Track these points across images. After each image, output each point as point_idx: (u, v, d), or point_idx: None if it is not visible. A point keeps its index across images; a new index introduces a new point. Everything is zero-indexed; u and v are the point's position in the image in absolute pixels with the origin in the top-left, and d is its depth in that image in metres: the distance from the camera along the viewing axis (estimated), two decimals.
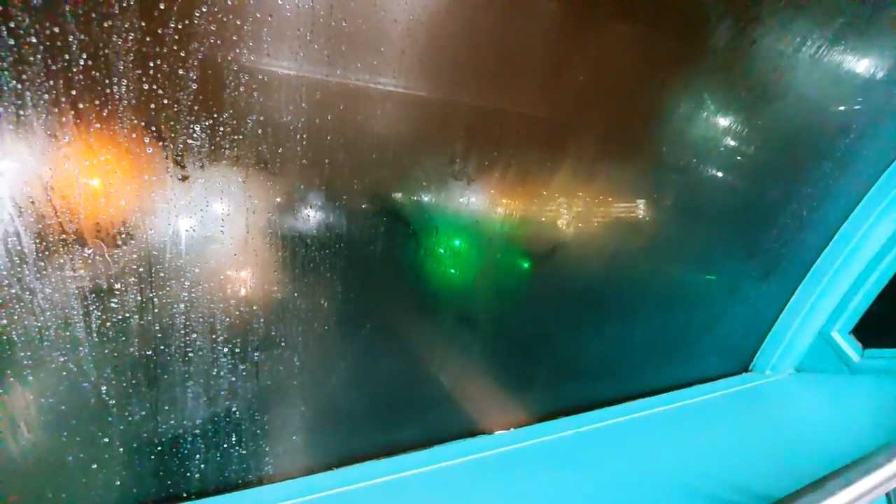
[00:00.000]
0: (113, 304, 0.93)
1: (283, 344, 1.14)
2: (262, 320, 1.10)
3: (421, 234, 1.23)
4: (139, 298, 0.95)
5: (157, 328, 0.99)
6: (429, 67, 1.06)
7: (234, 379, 1.11)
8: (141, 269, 0.93)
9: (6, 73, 0.73)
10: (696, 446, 1.57)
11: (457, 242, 1.30)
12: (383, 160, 1.10)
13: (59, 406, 0.95)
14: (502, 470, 1.38)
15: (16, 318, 0.86)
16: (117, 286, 0.92)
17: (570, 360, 1.72)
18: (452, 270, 1.34)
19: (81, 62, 0.77)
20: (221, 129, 0.91)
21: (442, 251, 1.28)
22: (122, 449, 1.04)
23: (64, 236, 0.85)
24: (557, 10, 1.11)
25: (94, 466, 1.02)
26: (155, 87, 0.83)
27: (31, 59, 0.74)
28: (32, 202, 0.81)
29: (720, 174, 1.66)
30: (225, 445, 1.15)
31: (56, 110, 0.78)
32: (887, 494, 1.20)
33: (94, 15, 0.75)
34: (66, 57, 0.76)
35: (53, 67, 0.76)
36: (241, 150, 0.94)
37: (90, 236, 0.87)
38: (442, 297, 1.36)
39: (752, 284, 2.03)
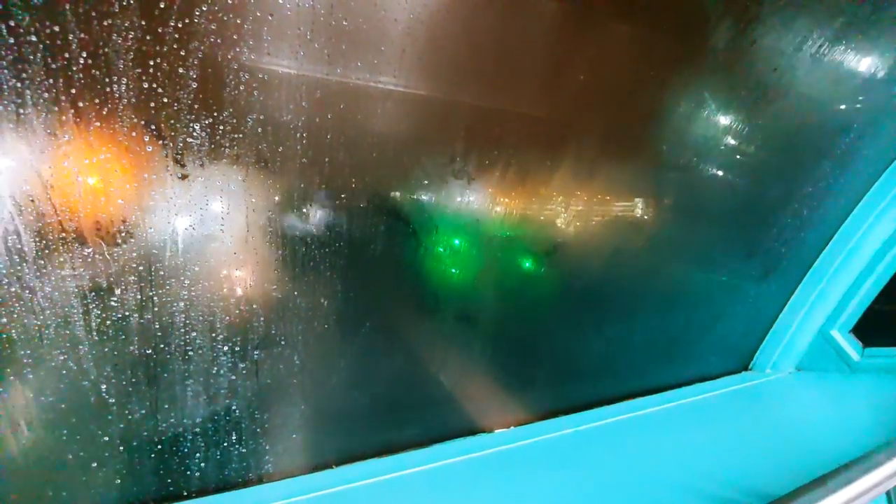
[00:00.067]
0: (112, 303, 0.93)
1: (282, 342, 1.15)
2: (261, 319, 1.10)
3: (421, 233, 1.23)
4: (139, 297, 0.95)
5: (157, 327, 0.99)
6: (429, 66, 1.06)
7: (233, 377, 1.11)
8: (141, 268, 0.94)
9: (5, 71, 0.73)
10: (696, 445, 1.57)
11: (457, 241, 1.30)
12: (383, 159, 1.10)
13: (57, 405, 0.95)
14: (503, 468, 1.38)
15: (15, 316, 0.86)
16: (116, 285, 0.92)
17: (571, 359, 1.72)
18: (452, 269, 1.34)
19: (81, 61, 0.77)
20: (221, 127, 0.91)
21: (442, 250, 1.28)
22: (121, 447, 1.04)
23: (63, 235, 0.85)
24: (557, 10, 1.11)
25: (93, 465, 1.02)
26: (155, 85, 0.83)
27: (31, 57, 0.74)
28: (32, 200, 0.81)
29: (720, 174, 1.66)
30: (225, 444, 1.15)
31: (56, 109, 0.78)
32: (887, 493, 1.20)
33: (93, 13, 0.75)
34: (66, 55, 0.76)
35: (53, 66, 0.76)
36: (242, 149, 0.94)
37: (89, 235, 0.87)
38: (442, 295, 1.36)
39: (752, 283, 2.03)
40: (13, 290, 0.84)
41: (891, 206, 1.96)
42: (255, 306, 1.08)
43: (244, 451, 1.18)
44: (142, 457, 1.07)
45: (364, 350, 1.27)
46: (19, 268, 0.84)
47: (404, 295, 1.32)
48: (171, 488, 1.12)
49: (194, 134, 0.89)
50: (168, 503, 1.12)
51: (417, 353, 1.39)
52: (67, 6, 0.74)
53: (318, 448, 1.29)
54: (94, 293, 0.91)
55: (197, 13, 0.81)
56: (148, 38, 0.80)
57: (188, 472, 1.13)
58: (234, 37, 0.85)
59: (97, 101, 0.81)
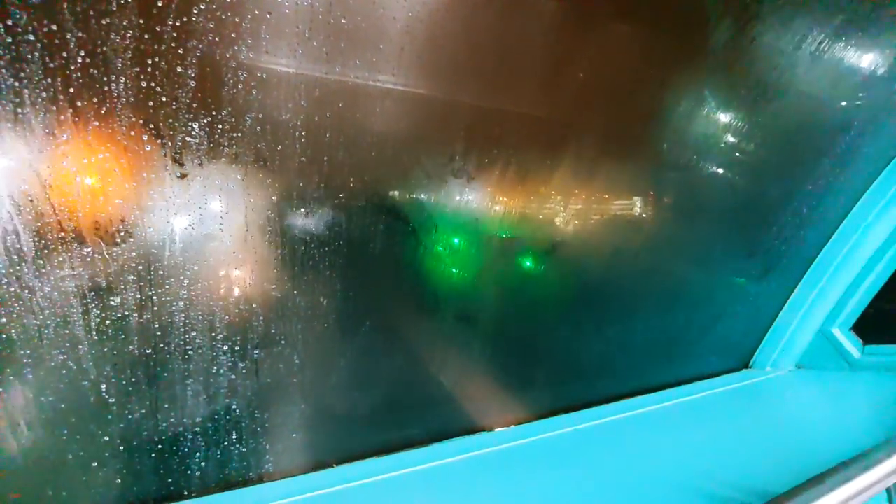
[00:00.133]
0: (111, 302, 0.93)
1: (282, 342, 1.15)
2: (261, 318, 1.10)
3: (420, 232, 1.23)
4: (138, 296, 0.95)
5: (156, 326, 0.99)
6: (428, 65, 1.05)
7: (233, 377, 1.11)
8: (140, 267, 0.93)
9: (3, 70, 0.73)
10: (697, 443, 1.57)
11: (456, 241, 1.30)
12: (382, 158, 1.10)
13: (55, 404, 0.95)
14: (503, 467, 1.38)
15: (14, 315, 0.86)
16: (116, 284, 0.92)
17: (571, 358, 1.72)
18: (452, 268, 1.34)
19: (79, 60, 0.77)
20: (220, 126, 0.90)
21: (441, 249, 1.28)
22: (121, 447, 1.04)
23: (62, 234, 0.85)
24: (557, 9, 1.11)
25: (93, 465, 1.02)
26: (153, 84, 0.83)
27: (29, 56, 0.74)
28: (31, 200, 0.81)
29: (720, 172, 1.66)
30: (225, 443, 1.15)
31: (54, 108, 0.78)
32: (888, 490, 1.20)
33: (91, 12, 0.75)
34: (64, 54, 0.76)
35: (51, 65, 0.76)
36: (240, 148, 0.94)
37: (88, 234, 0.87)
38: (441, 294, 1.36)
39: (752, 281, 2.03)
40: (12, 289, 0.84)
41: (890, 204, 1.96)
42: (254, 305, 1.08)
43: (244, 450, 1.18)
44: (142, 456, 1.07)
45: (364, 349, 1.27)
46: (18, 267, 0.84)
47: (404, 294, 1.32)
48: (172, 488, 1.12)
49: (193, 133, 0.89)
50: (168, 503, 1.12)
51: (417, 352, 1.39)
52: (65, 5, 0.73)
53: (318, 447, 1.29)
54: (93, 293, 0.91)
55: (195, 11, 0.81)
56: (146, 36, 0.79)
57: (188, 472, 1.13)
58: (233, 35, 0.85)
59: (95, 100, 0.80)
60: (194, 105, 0.87)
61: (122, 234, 0.90)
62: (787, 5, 1.30)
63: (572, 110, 1.31)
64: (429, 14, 0.99)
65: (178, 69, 0.83)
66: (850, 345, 2.10)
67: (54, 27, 0.74)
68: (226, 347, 1.07)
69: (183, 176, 0.91)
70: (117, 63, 0.79)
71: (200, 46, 0.83)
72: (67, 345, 0.92)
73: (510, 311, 1.52)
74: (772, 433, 1.67)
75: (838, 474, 1.10)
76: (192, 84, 0.85)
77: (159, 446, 1.08)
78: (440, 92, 1.11)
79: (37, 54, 0.74)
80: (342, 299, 1.18)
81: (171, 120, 0.86)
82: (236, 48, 0.86)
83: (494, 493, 1.26)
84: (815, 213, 1.94)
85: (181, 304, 0.99)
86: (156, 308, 0.97)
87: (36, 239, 0.83)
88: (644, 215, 1.59)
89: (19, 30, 0.72)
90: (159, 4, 0.78)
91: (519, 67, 1.17)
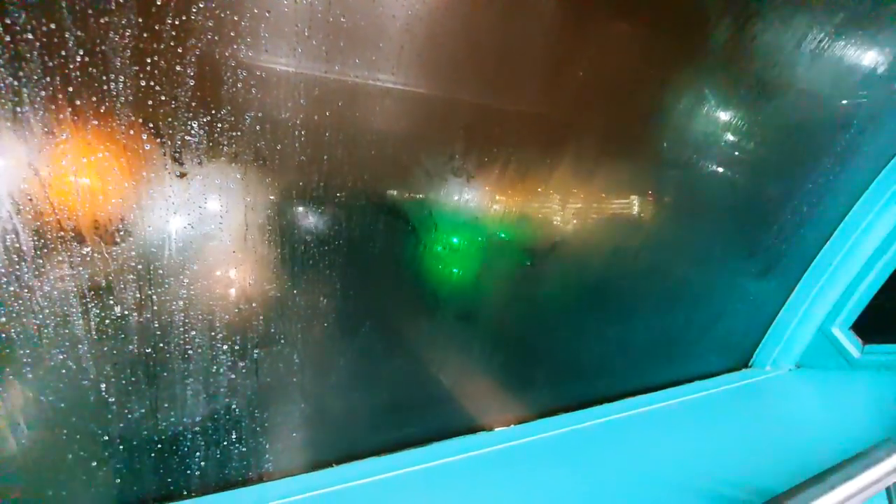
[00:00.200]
0: (110, 301, 0.93)
1: (282, 341, 1.14)
2: (260, 317, 1.10)
3: (420, 231, 1.23)
4: (137, 296, 0.95)
5: (156, 325, 0.99)
6: (427, 63, 1.05)
7: (233, 376, 1.11)
8: (139, 267, 0.93)
9: (2, 69, 0.73)
10: (697, 442, 1.57)
11: (456, 239, 1.30)
12: (382, 157, 1.10)
13: (54, 404, 0.95)
14: (503, 466, 1.38)
15: (13, 315, 0.86)
16: (115, 283, 0.92)
17: (571, 357, 1.72)
18: (452, 268, 1.33)
19: (78, 59, 0.77)
20: (219, 125, 0.90)
21: (441, 248, 1.28)
22: (120, 446, 1.04)
23: (62, 233, 0.85)
24: (557, 9, 1.11)
25: (92, 464, 1.02)
26: (152, 83, 0.83)
27: (28, 55, 0.74)
28: (30, 199, 0.81)
29: (720, 171, 1.66)
30: (225, 443, 1.15)
31: (53, 107, 0.78)
32: (887, 489, 1.20)
33: (90, 11, 0.75)
34: (63, 53, 0.76)
35: (50, 64, 0.76)
36: (240, 147, 0.94)
37: (88, 233, 0.87)
38: (441, 294, 1.36)
39: (752, 280, 2.03)
40: (11, 289, 0.84)
41: (890, 203, 1.96)
42: (254, 305, 1.08)
43: (244, 449, 1.18)
44: (141, 456, 1.06)
45: (363, 348, 1.27)
46: (17, 266, 0.83)
47: (403, 293, 1.32)
48: (172, 487, 1.12)
49: (192, 132, 0.89)
50: (168, 502, 1.12)
51: (416, 351, 1.39)
52: (64, 4, 0.73)
53: (318, 446, 1.29)
54: (92, 292, 0.91)
55: (194, 10, 0.81)
56: (145, 35, 0.79)
57: (188, 471, 1.12)
58: (232, 34, 0.85)
59: (94, 99, 0.80)
60: (194, 104, 0.87)
61: (122, 233, 0.90)
62: (787, 4, 1.30)
63: (572, 110, 1.31)
64: (428, 13, 0.99)
65: (178, 68, 0.83)
66: (850, 344, 2.10)
67: (53, 26, 0.74)
68: (225, 347, 1.07)
69: (182, 175, 0.91)
70: (116, 62, 0.79)
71: (200, 45, 0.83)
72: (67, 344, 0.92)
73: (510, 310, 1.52)
74: (772, 432, 1.67)
75: (838, 473, 1.10)
76: (192, 83, 0.85)
77: (159, 446, 1.08)
78: (440, 91, 1.11)
79: (35, 53, 0.74)
80: (342, 298, 1.18)
81: (170, 119, 0.86)
82: (235, 47, 0.86)
83: (495, 493, 1.26)
84: (815, 212, 1.94)
85: (181, 303, 0.99)
86: (155, 307, 0.97)
87: (35, 238, 0.83)
88: (644, 214, 1.59)
89: (18, 28, 0.72)
90: (158, 3, 0.78)
91: (519, 67, 1.16)
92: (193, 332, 1.02)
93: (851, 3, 1.38)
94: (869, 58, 1.56)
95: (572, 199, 1.43)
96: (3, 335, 0.86)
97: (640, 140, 1.46)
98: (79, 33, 0.75)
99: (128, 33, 0.78)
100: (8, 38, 0.72)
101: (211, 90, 0.87)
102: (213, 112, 0.89)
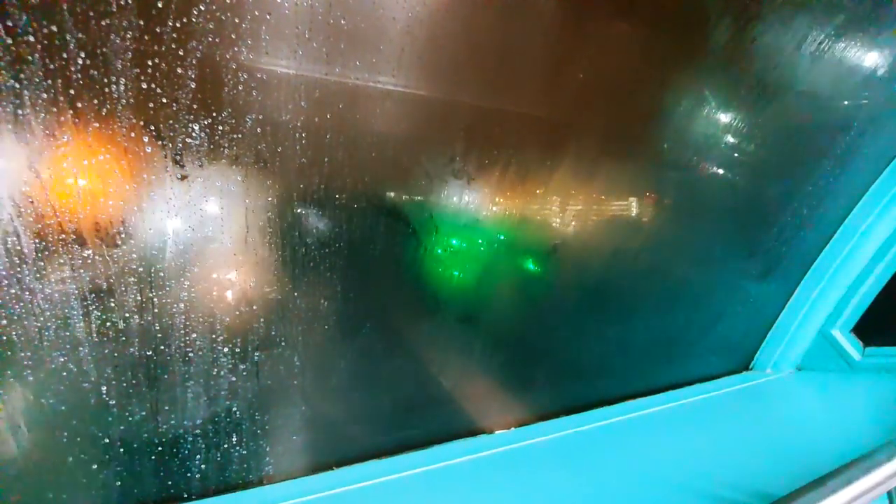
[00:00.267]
0: (111, 304, 0.93)
1: (282, 344, 1.14)
2: (261, 320, 1.10)
3: (421, 234, 1.23)
4: (138, 298, 0.95)
5: (157, 328, 0.98)
6: (428, 66, 1.05)
7: (233, 379, 1.11)
8: (140, 269, 0.93)
9: (3, 72, 0.73)
10: (697, 445, 1.57)
11: (457, 242, 1.30)
12: (383, 159, 1.10)
13: (55, 407, 0.95)
14: (504, 469, 1.38)
15: (14, 317, 0.86)
16: (116, 286, 0.92)
17: (572, 359, 1.72)
18: (452, 270, 1.33)
19: (79, 61, 0.77)
20: (220, 128, 0.90)
21: (442, 251, 1.28)
22: (121, 449, 1.03)
23: (63, 236, 0.85)
24: (557, 9, 1.11)
25: (92, 467, 1.02)
26: (153, 85, 0.83)
27: (29, 57, 0.74)
28: (31, 202, 0.81)
29: (720, 173, 1.65)
30: (225, 446, 1.15)
31: (54, 109, 0.78)
32: (889, 493, 1.20)
33: (91, 13, 0.75)
34: (64, 56, 0.76)
35: (51, 66, 0.76)
36: (241, 149, 0.94)
37: (89, 236, 0.87)
38: (442, 296, 1.36)
39: (752, 283, 2.03)
40: (12, 291, 0.84)
41: (891, 205, 1.96)
42: (254, 307, 1.08)
43: (244, 453, 1.17)
44: (141, 459, 1.06)
45: (364, 351, 1.26)
46: (18, 269, 0.83)
47: (404, 296, 1.32)
48: (172, 490, 1.11)
49: (193, 134, 0.89)
50: None
51: (417, 354, 1.39)
52: (65, 6, 0.73)
53: (319, 449, 1.28)
54: (93, 295, 0.91)
55: (195, 13, 0.81)
56: (146, 38, 0.79)
57: (188, 475, 1.12)
58: (233, 36, 0.85)
59: (96, 101, 0.80)
60: (195, 106, 0.87)
61: (123, 235, 0.90)
62: (788, 5, 1.30)
63: (572, 110, 1.31)
64: (429, 15, 0.99)
65: (179, 70, 0.83)
66: (851, 346, 2.10)
67: (54, 28, 0.74)
68: (226, 350, 1.07)
69: (183, 177, 0.91)
70: (117, 64, 0.79)
71: (200, 48, 0.83)
72: (68, 347, 0.92)
73: (510, 313, 1.52)
74: (773, 435, 1.67)
75: (839, 476, 1.10)
76: (193, 85, 0.85)
77: (159, 449, 1.07)
78: (440, 93, 1.11)
79: (37, 55, 0.74)
80: (343, 301, 1.18)
81: (171, 121, 0.86)
82: (236, 49, 0.86)
83: (495, 496, 1.26)
84: (815, 213, 1.94)
85: (182, 305, 0.99)
86: (156, 310, 0.97)
87: (36, 241, 0.83)
88: (644, 216, 1.59)
89: (19, 31, 0.72)
90: (159, 5, 0.78)
91: (519, 68, 1.16)
92: (194, 335, 1.02)
93: (852, 4, 1.38)
94: (869, 60, 1.56)
95: (573, 200, 1.43)
96: (4, 337, 0.86)
97: (640, 141, 1.46)
98: (80, 35, 0.75)
99: (129, 36, 0.78)
100: (9, 41, 0.72)
101: (212, 92, 0.87)
102: (214, 114, 0.89)
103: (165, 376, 1.03)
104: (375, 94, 1.02)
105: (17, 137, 0.77)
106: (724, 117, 1.52)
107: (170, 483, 1.11)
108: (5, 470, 0.95)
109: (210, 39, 0.84)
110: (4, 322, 0.85)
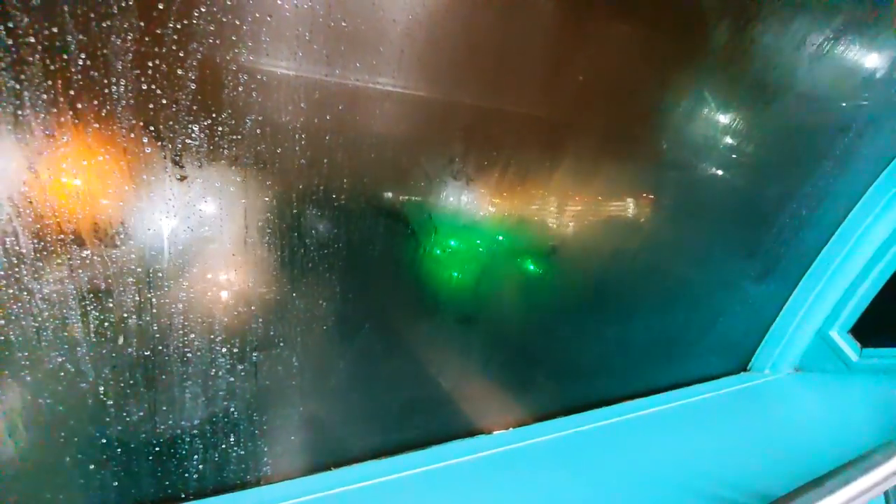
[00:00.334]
0: (110, 304, 0.93)
1: (281, 344, 1.14)
2: (260, 320, 1.10)
3: (420, 234, 1.23)
4: (137, 298, 0.95)
5: (155, 328, 0.98)
6: (428, 67, 1.06)
7: (232, 379, 1.11)
8: (139, 270, 0.93)
9: (4, 73, 0.73)
10: (695, 445, 1.57)
11: (456, 243, 1.30)
12: (382, 160, 1.10)
13: (52, 407, 0.95)
14: (502, 470, 1.38)
15: (12, 317, 0.86)
16: (115, 286, 0.92)
17: (571, 359, 1.72)
18: (452, 271, 1.34)
19: (80, 62, 0.77)
20: (220, 129, 0.90)
21: (441, 251, 1.28)
22: (118, 449, 1.03)
23: (62, 236, 0.85)
24: (557, 9, 1.11)
25: (90, 468, 1.02)
26: (153, 86, 0.83)
27: (29, 58, 0.74)
28: (30, 202, 0.81)
29: (719, 173, 1.66)
30: (223, 446, 1.15)
31: (54, 110, 0.78)
32: (885, 493, 1.20)
33: (92, 15, 0.75)
34: (64, 57, 0.76)
35: (51, 67, 0.76)
36: (240, 151, 0.94)
37: (87, 237, 0.87)
38: (441, 297, 1.36)
39: (750, 283, 2.03)
40: (11, 291, 0.84)
41: (889, 207, 1.96)
42: (253, 308, 1.08)
43: (242, 453, 1.18)
44: (139, 459, 1.06)
45: (363, 351, 1.27)
46: (17, 269, 0.83)
47: (404, 296, 1.32)
48: (170, 491, 1.11)
49: (193, 135, 0.89)
50: None
51: (417, 355, 1.39)
52: (66, 7, 0.73)
53: (316, 450, 1.28)
54: (92, 295, 0.91)
55: (195, 14, 0.81)
56: (146, 39, 0.79)
57: (186, 474, 1.12)
58: (233, 38, 0.85)
59: (96, 102, 0.80)
60: (195, 107, 0.87)
61: (122, 236, 0.90)
62: (787, 6, 1.31)
63: (572, 111, 1.31)
64: (428, 16, 0.99)
65: (179, 72, 0.83)
66: (849, 348, 2.10)
67: (55, 29, 0.74)
68: (224, 350, 1.07)
69: (183, 178, 0.91)
70: (117, 65, 0.79)
71: (201, 49, 0.83)
72: (66, 346, 0.92)
73: (509, 313, 1.52)
74: (771, 436, 1.67)
75: (837, 477, 1.10)
76: (193, 86, 0.85)
77: (157, 449, 1.07)
78: (440, 94, 1.11)
79: (37, 56, 0.74)
80: (342, 301, 1.18)
81: (171, 122, 0.86)
82: (236, 51, 0.86)
83: (494, 496, 1.26)
84: (813, 214, 1.94)
85: (180, 306, 0.99)
86: (155, 310, 0.97)
87: (35, 241, 0.83)
88: (643, 216, 1.60)
89: (20, 32, 0.72)
90: (160, 7, 0.78)
91: (518, 68, 1.17)
92: (192, 335, 1.02)
93: (851, 5, 1.38)
94: (868, 61, 1.56)
95: (572, 200, 1.43)
96: (2, 337, 0.86)
97: (639, 142, 1.46)
98: (80, 37, 0.75)
99: (129, 37, 0.78)
100: (10, 41, 0.72)
101: (212, 94, 0.87)
102: (214, 115, 0.89)
103: (164, 377, 1.03)
104: (375, 95, 1.02)
105: (17, 138, 0.77)
106: (724, 118, 1.52)
107: (168, 483, 1.11)
108: (4, 470, 0.95)
109: (210, 41, 0.84)
110: (3, 322, 0.85)
